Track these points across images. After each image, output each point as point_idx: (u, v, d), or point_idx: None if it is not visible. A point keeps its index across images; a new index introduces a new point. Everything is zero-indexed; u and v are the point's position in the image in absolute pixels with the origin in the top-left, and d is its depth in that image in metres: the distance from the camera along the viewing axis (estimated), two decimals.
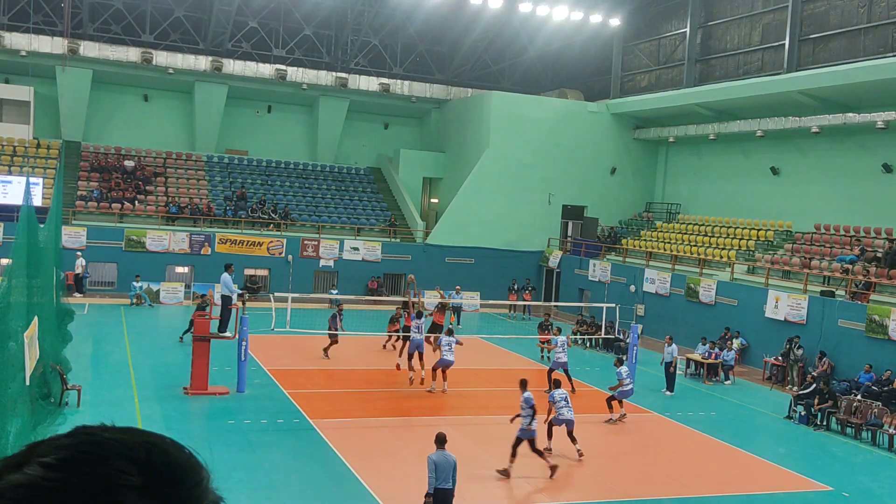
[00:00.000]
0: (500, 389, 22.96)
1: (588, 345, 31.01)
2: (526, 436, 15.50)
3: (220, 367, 21.64)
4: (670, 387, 23.97)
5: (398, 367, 23.51)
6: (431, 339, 23.65)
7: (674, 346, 24.06)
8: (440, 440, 12.27)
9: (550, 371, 22.56)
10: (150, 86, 41.35)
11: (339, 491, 14.46)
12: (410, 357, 22.28)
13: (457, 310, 34.04)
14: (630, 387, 20.40)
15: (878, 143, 30.20)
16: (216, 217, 38.08)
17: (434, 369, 21.83)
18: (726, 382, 25.96)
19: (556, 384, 17.99)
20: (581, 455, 16.90)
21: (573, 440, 16.92)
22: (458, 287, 36.03)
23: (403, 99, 44.15)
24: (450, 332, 22.81)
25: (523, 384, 16.32)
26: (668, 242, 36.54)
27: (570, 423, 16.88)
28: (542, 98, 42.43)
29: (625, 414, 20.49)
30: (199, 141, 41.99)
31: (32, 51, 37.51)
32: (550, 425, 17.29)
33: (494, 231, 40.00)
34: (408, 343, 23.06)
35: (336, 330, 25.35)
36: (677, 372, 24.41)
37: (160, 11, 41.57)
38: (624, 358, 22.54)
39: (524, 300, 36.55)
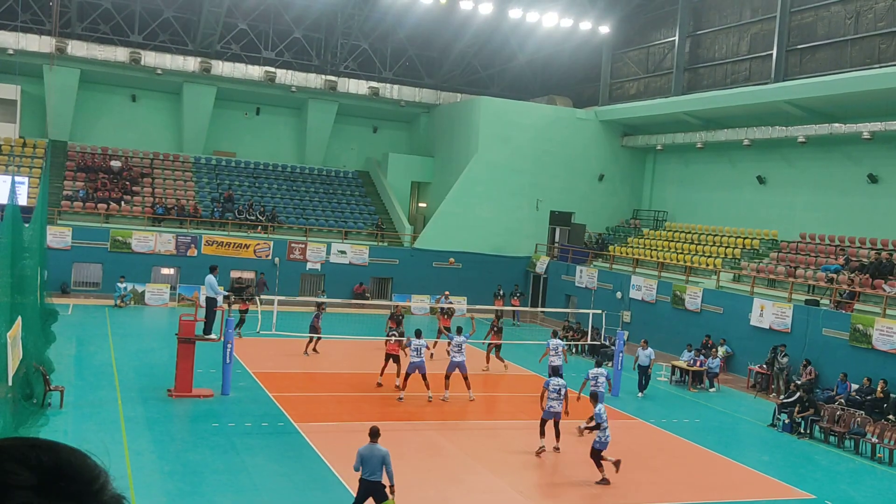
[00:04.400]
0: (484, 394, 22.99)
1: (574, 351, 31.07)
2: (601, 447, 16.03)
3: (205, 370, 21.56)
4: (642, 388, 24.57)
5: (379, 385, 22.71)
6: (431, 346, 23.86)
7: (649, 349, 24.65)
8: (373, 433, 12.52)
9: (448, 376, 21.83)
10: (137, 86, 41.18)
11: (323, 495, 14.41)
12: (407, 376, 21.16)
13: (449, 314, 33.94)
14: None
15: (864, 154, 30.41)
16: (203, 219, 37.93)
17: (447, 376, 21.43)
18: (711, 390, 26.07)
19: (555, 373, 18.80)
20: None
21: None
22: (446, 292, 36.00)
23: (392, 103, 44.13)
24: (459, 331, 22.94)
25: (594, 399, 16.82)
26: (655, 249, 36.67)
27: (557, 416, 17.61)
28: (530, 104, 42.51)
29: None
30: (186, 142, 41.85)
31: (20, 49, 37.28)
32: (543, 422, 17.64)
33: (482, 236, 40.03)
34: (392, 362, 22.42)
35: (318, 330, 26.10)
36: (652, 377, 25.01)
37: (149, 12, 41.41)
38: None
39: (512, 305, 36.59)
